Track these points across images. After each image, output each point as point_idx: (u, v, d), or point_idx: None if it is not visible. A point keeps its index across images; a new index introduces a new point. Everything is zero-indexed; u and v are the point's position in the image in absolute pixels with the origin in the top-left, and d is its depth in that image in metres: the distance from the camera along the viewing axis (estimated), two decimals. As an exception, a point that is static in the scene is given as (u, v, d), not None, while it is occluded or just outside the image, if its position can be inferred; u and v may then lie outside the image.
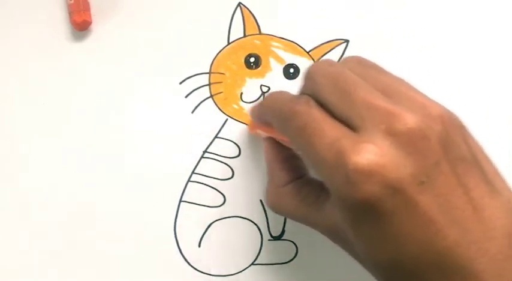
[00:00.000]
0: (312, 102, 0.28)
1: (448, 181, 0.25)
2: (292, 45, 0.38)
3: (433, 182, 0.25)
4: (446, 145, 0.25)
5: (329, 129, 0.26)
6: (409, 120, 0.25)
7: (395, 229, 0.25)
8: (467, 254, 0.24)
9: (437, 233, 0.24)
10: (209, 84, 0.37)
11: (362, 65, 0.29)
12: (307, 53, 0.38)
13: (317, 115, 0.27)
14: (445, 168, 0.25)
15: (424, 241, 0.25)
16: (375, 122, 0.25)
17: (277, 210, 0.33)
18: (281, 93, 0.32)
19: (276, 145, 0.34)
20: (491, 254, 0.24)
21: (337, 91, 0.27)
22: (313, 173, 0.33)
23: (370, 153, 0.24)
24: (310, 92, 0.28)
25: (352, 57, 0.30)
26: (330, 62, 0.29)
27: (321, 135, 0.26)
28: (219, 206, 0.37)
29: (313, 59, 0.37)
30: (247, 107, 0.37)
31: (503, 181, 0.27)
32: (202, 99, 0.37)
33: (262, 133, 0.34)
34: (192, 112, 0.37)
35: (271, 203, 0.33)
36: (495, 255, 0.25)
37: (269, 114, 0.32)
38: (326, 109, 0.27)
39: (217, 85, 0.37)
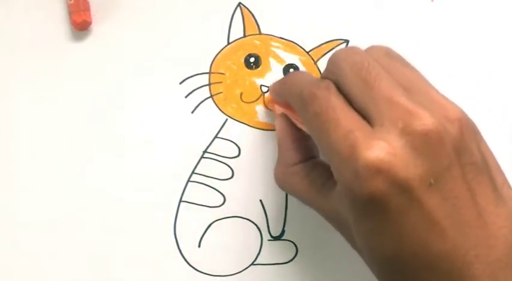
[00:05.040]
0: (333, 89, 0.27)
1: (456, 185, 0.25)
2: (292, 45, 0.38)
3: (442, 185, 0.25)
4: (460, 149, 0.25)
5: (345, 119, 0.26)
6: (427, 121, 0.25)
7: (397, 227, 0.25)
8: (464, 258, 0.24)
9: (438, 235, 0.24)
10: (209, 85, 0.37)
11: (388, 57, 0.29)
12: (307, 53, 0.37)
13: (335, 103, 0.27)
14: (456, 172, 0.25)
15: (424, 241, 0.25)
16: (393, 119, 0.25)
17: (284, 189, 0.33)
18: (303, 74, 0.31)
19: (289, 123, 0.33)
20: (489, 261, 0.25)
21: (359, 82, 0.27)
22: (323, 157, 0.32)
23: (382, 150, 0.24)
24: (332, 77, 0.28)
25: (379, 46, 0.29)
26: (355, 50, 0.29)
27: (336, 124, 0.26)
28: (219, 206, 0.37)
29: (313, 59, 0.37)
30: (247, 107, 0.37)
31: (510, 190, 0.27)
32: (202, 99, 0.37)
33: (278, 109, 0.34)
34: (192, 112, 0.37)
35: (279, 181, 0.33)
36: (493, 262, 0.25)
37: (288, 94, 0.31)
38: (346, 97, 0.27)
39: (217, 85, 0.37)
